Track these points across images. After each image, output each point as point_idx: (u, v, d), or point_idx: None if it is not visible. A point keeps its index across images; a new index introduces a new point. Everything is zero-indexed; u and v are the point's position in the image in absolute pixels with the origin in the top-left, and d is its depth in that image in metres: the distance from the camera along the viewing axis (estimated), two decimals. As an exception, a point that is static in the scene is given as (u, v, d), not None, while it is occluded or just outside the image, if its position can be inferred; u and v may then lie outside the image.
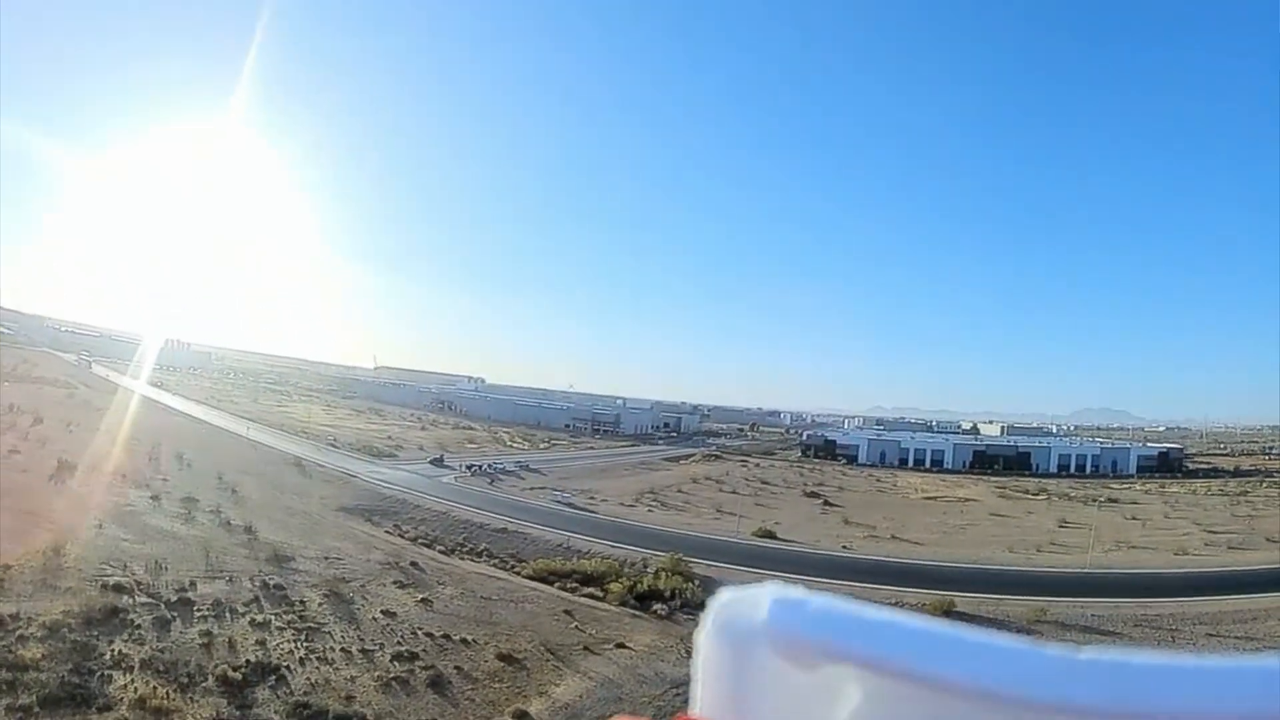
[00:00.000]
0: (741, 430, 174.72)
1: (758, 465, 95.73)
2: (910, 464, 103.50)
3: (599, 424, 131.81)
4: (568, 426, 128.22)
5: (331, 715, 22.22)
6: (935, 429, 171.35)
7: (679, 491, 68.78)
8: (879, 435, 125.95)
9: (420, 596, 33.91)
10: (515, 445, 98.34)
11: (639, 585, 36.72)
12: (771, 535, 50.81)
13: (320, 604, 31.48)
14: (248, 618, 28.89)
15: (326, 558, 38.06)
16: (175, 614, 28.61)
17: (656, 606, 34.58)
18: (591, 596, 36.15)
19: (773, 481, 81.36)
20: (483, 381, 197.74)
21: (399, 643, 28.29)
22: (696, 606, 38.05)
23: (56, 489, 42.38)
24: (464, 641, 29.07)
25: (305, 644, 27.35)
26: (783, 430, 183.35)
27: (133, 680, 23.61)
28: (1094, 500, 71.61)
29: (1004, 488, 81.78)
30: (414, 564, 38.99)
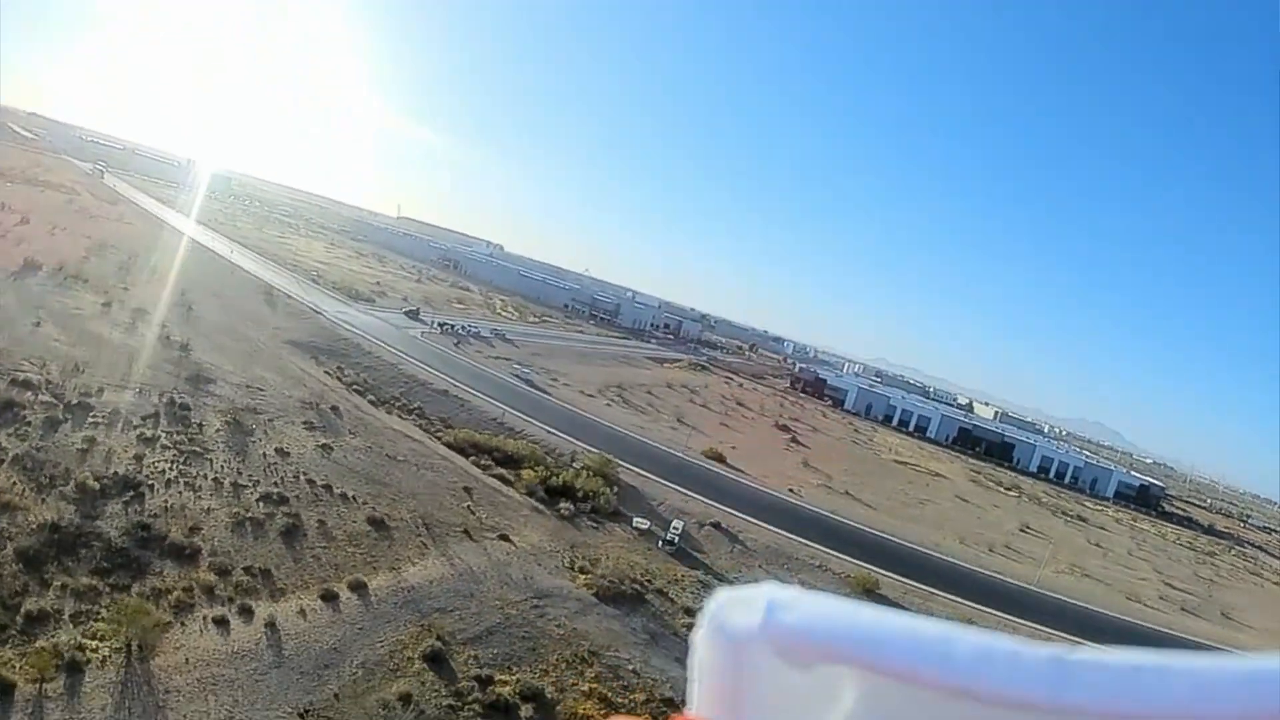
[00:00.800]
0: (740, 348, 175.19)
1: (740, 385, 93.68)
2: (895, 423, 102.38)
3: (597, 310, 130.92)
4: (566, 307, 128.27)
5: (167, 542, 22.01)
6: (931, 395, 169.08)
7: (648, 393, 67.25)
8: (871, 386, 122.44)
9: (323, 442, 33.47)
10: (504, 314, 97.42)
11: (554, 478, 35.34)
12: (720, 459, 48.33)
13: (218, 430, 31.18)
14: (138, 432, 28.69)
15: (249, 386, 37.71)
16: (69, 416, 28.48)
17: (563, 505, 32.98)
18: (501, 479, 35.27)
19: (748, 405, 79.10)
20: (500, 248, 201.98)
21: (275, 484, 27.88)
22: (606, 515, 36.34)
23: (11, 286, 42.18)
24: (343, 497, 28.63)
25: (181, 467, 27.08)
26: (781, 358, 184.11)
27: (-5, 472, 23.73)
28: (1063, 513, 68.78)
29: (979, 473, 78.97)
30: (334, 408, 38.54)
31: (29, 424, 27.11)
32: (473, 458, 37.35)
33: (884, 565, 35.87)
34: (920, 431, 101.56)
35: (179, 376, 36.03)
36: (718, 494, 40.38)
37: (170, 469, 26.95)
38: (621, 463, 40.44)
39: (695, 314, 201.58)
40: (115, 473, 25.33)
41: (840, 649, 0.50)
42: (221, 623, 19.50)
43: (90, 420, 28.55)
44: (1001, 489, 73.58)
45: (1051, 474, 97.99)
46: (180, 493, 25.54)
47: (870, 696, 0.51)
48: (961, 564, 41.43)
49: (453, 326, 70.44)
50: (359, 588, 22.58)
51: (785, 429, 68.15)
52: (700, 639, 0.55)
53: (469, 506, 31.11)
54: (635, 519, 33.41)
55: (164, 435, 29.17)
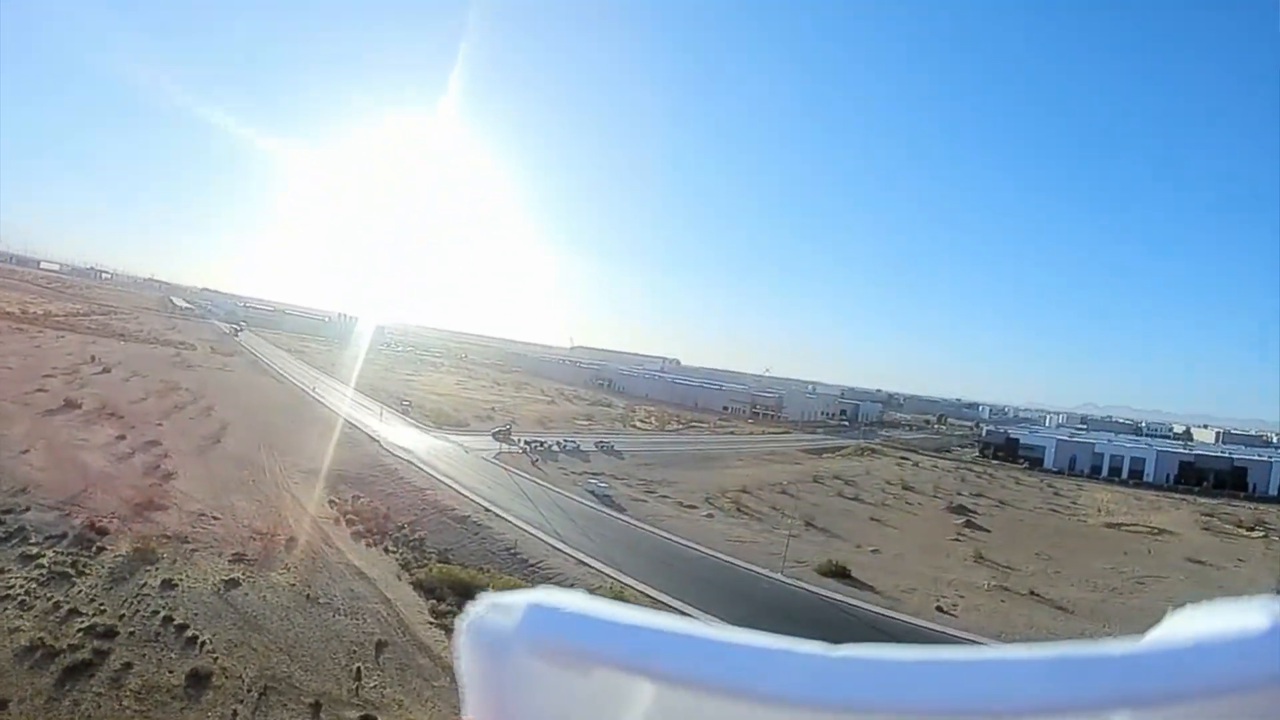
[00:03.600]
0: (927, 422, 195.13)
1: (916, 465, 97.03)
2: (1105, 473, 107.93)
3: (759, 407, 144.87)
4: (725, 409, 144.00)
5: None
6: (1145, 432, 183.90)
7: (780, 493, 66.36)
8: (1072, 435, 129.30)
9: (235, 577, 32.92)
10: (641, 425, 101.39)
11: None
12: (842, 574, 41.90)
13: (116, 557, 32.59)
14: (23, 550, 31.16)
15: (203, 515, 39.65)
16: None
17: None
18: (448, 629, 31.13)
19: (919, 488, 79.22)
20: (676, 363, 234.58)
21: (120, 617, 27.33)
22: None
23: (34, 420, 52.39)
24: (190, 640, 26.87)
25: (35, 587, 28.08)
26: (973, 424, 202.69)
27: None
28: (1326, 541, 65.47)
29: (1211, 515, 77.74)
30: (290, 539, 38.51)
31: None
32: (436, 600, 33.84)
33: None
34: (1136, 477, 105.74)
35: (130, 503, 39.61)
36: (816, 636, 32.54)
37: (20, 587, 28.11)
38: (667, 599, 34.06)
39: (880, 395, 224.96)
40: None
41: (599, 652, 0.57)
42: None
43: (-12, 535, 31.79)
44: (1243, 531, 71.48)
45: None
46: (4, 610, 26.19)
47: (662, 701, 0.59)
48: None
49: (542, 444, 72.02)
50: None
51: (960, 510, 67.51)
52: (460, 645, 0.63)
53: (359, 669, 26.91)
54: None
55: (50, 555, 31.17)
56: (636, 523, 49.07)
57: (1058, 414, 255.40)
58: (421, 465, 57.74)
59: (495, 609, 0.63)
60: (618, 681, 0.60)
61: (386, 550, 40.35)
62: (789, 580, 39.93)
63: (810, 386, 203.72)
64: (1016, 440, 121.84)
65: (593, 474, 61.88)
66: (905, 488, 77.68)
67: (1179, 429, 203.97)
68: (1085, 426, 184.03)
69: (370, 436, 66.52)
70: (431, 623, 31.68)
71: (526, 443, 71.11)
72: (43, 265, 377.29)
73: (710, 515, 54.40)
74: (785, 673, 0.54)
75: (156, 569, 32.38)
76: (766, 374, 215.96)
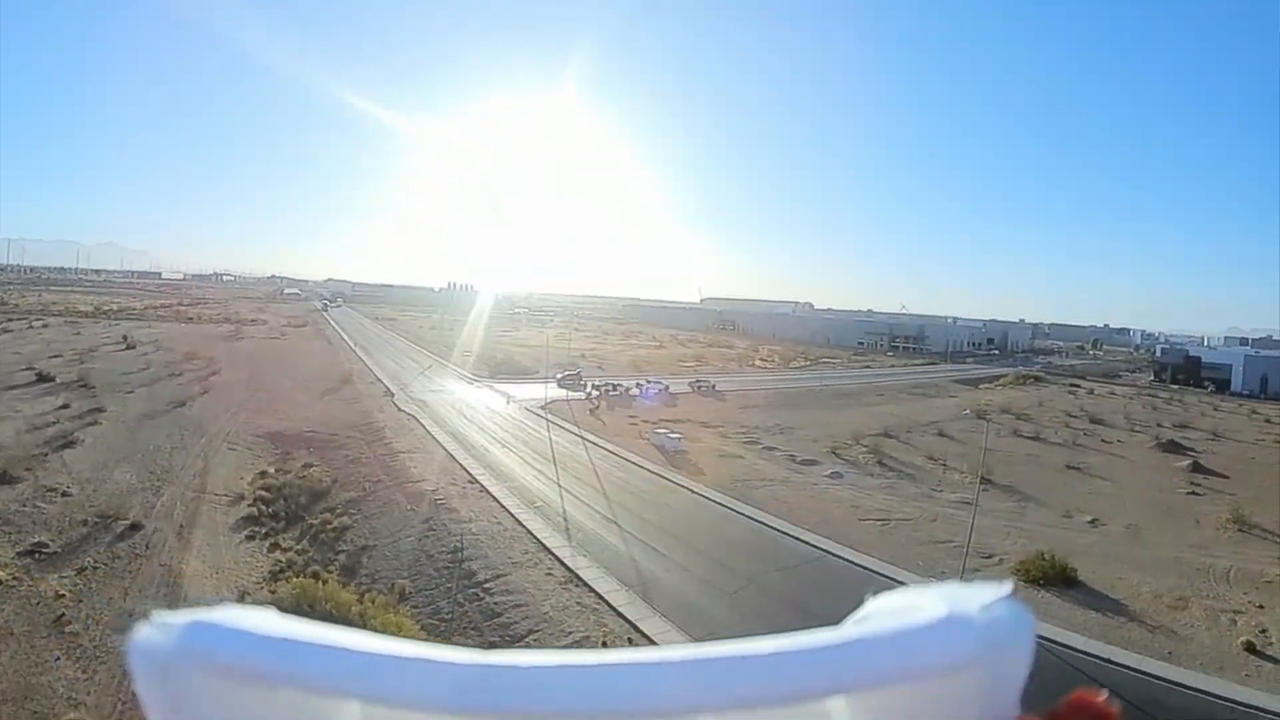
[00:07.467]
0: (1080, 348, 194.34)
1: (1091, 393, 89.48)
2: None
3: (898, 339, 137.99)
4: (860, 343, 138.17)
5: None
6: None
7: (938, 434, 52.48)
8: (1257, 353, 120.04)
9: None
10: (760, 364, 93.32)
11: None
12: (1066, 578, 25.42)
13: None
14: None
15: (51, 490, 30.23)
16: None
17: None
18: None
19: (1107, 419, 66.60)
20: (809, 307, 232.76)
21: None
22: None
23: None
24: None
25: None
26: (1130, 349, 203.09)
27: None
28: None
29: None
30: (133, 527, 27.92)
31: None
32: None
33: None
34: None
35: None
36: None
37: None
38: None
39: (1026, 326, 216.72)
40: None
41: (256, 669, 0.56)
42: None
43: None
44: None
45: None
46: None
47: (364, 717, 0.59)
48: None
49: (615, 388, 60.93)
50: None
51: (1174, 449, 53.42)
52: (129, 665, 0.61)
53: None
54: None
55: None
56: (711, 494, 34.35)
57: (1211, 337, 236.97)
58: (426, 422, 46.63)
59: (158, 626, 0.61)
60: (312, 699, 0.59)
61: (274, 547, 28.76)
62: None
63: (950, 319, 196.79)
64: (1198, 359, 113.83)
65: (672, 421, 48.12)
66: (1094, 421, 65.09)
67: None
68: (1249, 347, 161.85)
69: (387, 390, 56.78)
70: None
71: (594, 387, 59.87)
72: (164, 276, 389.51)
73: (835, 475, 39.27)
74: (425, 681, 0.54)
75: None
76: (902, 310, 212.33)
